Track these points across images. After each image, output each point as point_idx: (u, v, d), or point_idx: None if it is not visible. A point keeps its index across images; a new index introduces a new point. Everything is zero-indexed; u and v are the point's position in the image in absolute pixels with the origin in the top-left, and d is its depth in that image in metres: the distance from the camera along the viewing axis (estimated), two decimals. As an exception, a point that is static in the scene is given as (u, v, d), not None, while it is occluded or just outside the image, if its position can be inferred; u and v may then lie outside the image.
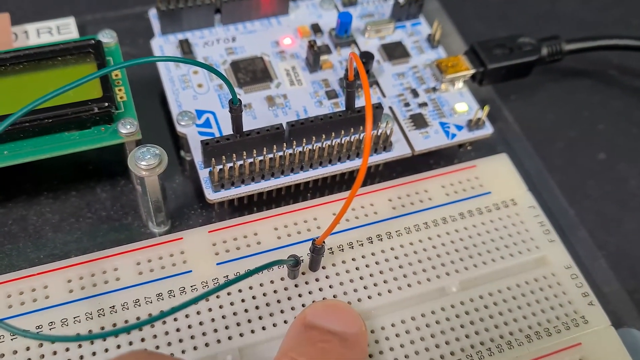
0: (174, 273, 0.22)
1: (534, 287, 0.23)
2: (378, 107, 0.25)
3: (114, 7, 0.32)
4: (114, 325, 0.20)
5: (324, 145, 0.24)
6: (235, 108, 0.22)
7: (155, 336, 0.20)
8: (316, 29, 0.29)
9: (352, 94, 0.24)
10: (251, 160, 0.23)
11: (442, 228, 0.24)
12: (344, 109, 0.25)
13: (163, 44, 0.27)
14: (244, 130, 0.23)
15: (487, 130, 0.26)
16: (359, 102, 0.25)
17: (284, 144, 0.24)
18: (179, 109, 0.25)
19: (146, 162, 0.21)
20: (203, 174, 0.24)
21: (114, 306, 0.21)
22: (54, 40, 0.26)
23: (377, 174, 0.26)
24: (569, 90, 0.32)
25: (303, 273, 0.22)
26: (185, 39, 0.27)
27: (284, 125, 0.24)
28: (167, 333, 0.20)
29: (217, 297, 0.21)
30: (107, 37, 0.25)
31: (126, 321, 0.20)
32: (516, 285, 0.22)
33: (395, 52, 0.28)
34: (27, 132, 0.22)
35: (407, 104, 0.27)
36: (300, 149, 0.24)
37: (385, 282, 0.22)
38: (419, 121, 0.26)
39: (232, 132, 0.23)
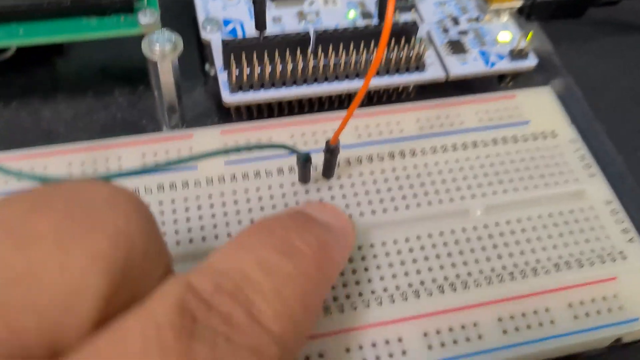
0: (178, 168, 0.21)
1: (569, 218, 0.20)
2: (413, 25, 0.23)
3: None
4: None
5: (351, 59, 0.22)
6: (257, -4, 0.21)
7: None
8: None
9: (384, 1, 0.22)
10: (273, 65, 0.22)
11: (472, 152, 0.22)
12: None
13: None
14: (268, 34, 0.22)
15: (531, 61, 0.24)
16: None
17: (309, 52, 0.23)
18: (206, 16, 0.24)
19: (160, 45, 0.20)
20: (222, 77, 0.22)
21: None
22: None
23: (407, 98, 0.25)
24: (626, 41, 0.30)
25: (316, 181, 0.21)
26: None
27: (311, 32, 0.23)
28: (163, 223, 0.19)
29: (222, 194, 0.20)
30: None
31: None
32: (548, 214, 0.20)
33: (438, -19, 0.27)
34: (45, 12, 0.21)
35: (446, 30, 0.25)
36: (326, 60, 0.22)
37: (403, 197, 0.20)
38: (457, 47, 0.24)
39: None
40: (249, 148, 0.18)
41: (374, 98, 0.24)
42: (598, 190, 0.21)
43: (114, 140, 0.21)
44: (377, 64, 0.16)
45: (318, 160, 0.20)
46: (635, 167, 0.24)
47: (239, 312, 0.12)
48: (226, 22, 0.24)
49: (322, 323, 0.18)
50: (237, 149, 0.18)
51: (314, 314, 0.14)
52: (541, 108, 0.23)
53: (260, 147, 0.18)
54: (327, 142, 0.19)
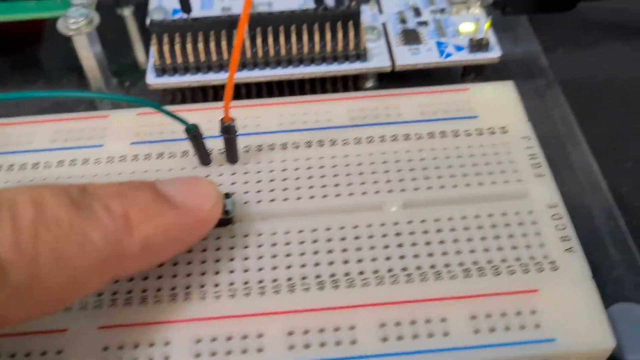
0: (83, 145, 0.20)
1: (499, 220, 0.17)
2: (354, 11, 0.21)
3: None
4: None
5: (283, 44, 0.21)
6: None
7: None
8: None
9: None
10: (197, 48, 0.21)
11: (400, 144, 0.19)
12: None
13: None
14: (199, 17, 0.21)
15: (493, 53, 0.22)
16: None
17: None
18: (157, 4, 0.24)
19: (74, 20, 0.20)
20: (150, 60, 0.22)
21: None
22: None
23: (350, 87, 0.23)
24: (617, 39, 0.26)
25: (220, 165, 0.19)
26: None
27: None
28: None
29: (119, 174, 0.19)
30: None
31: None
32: (474, 215, 0.17)
33: (408, -28, 0.25)
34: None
35: (403, 21, 0.23)
36: (254, 45, 0.21)
37: (310, 187, 0.18)
38: (411, 37, 0.22)
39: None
40: (131, 100, 0.17)
41: (311, 86, 0.23)
42: (543, 192, 0.18)
43: (27, 117, 0.21)
44: (237, 52, 0.15)
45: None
46: (611, 174, 0.21)
47: None
48: (175, 12, 0.24)
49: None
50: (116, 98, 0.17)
51: (68, 278, 0.13)
52: (495, 103, 0.20)
53: (146, 104, 0.17)
54: (221, 120, 0.18)
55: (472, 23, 0.22)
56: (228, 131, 0.18)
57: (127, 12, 0.27)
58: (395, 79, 0.22)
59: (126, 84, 0.24)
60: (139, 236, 0.14)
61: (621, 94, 0.24)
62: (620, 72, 0.25)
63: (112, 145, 0.20)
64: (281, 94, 0.22)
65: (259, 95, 0.22)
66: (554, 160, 0.20)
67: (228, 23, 0.21)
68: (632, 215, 0.20)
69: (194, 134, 0.18)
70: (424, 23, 0.23)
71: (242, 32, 0.15)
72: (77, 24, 0.20)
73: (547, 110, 0.23)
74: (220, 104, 0.21)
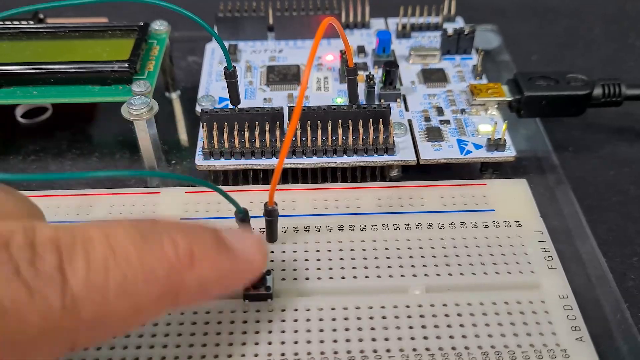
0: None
1: (514, 308, 0.19)
2: (385, 107, 0.24)
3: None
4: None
5: (322, 136, 0.23)
6: (229, 73, 0.22)
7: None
8: (360, 49, 0.29)
9: (353, 83, 0.23)
10: (245, 135, 0.23)
11: (424, 233, 0.21)
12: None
13: (215, 47, 0.30)
14: (245, 107, 0.24)
15: (509, 152, 0.24)
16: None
17: (282, 126, 0.24)
18: (204, 93, 0.27)
19: (136, 107, 0.22)
20: (199, 143, 0.24)
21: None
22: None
23: (377, 175, 0.25)
24: (625, 144, 0.28)
25: (260, 244, 0.21)
26: (235, 44, 0.29)
27: (285, 108, 0.24)
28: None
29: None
30: (158, 25, 0.28)
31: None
32: (492, 302, 0.19)
33: (433, 75, 0.27)
34: (57, 78, 0.25)
35: (427, 119, 0.25)
36: (297, 136, 0.24)
37: (342, 268, 0.20)
38: (434, 133, 0.24)
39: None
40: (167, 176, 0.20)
41: (342, 173, 0.25)
42: (555, 284, 0.20)
43: (90, 191, 0.23)
44: (288, 142, 0.17)
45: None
46: (617, 268, 0.23)
47: (50, 259, 0.13)
48: (221, 100, 0.26)
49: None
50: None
51: (132, 309, 0.14)
52: (510, 198, 0.23)
53: (194, 181, 0.19)
54: (265, 204, 0.20)
55: (490, 125, 0.25)
56: (270, 214, 0.20)
57: (174, 96, 0.30)
58: (418, 169, 0.24)
59: (172, 161, 0.26)
60: (199, 273, 0.15)
61: (626, 193, 0.26)
62: (625, 172, 0.27)
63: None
64: (314, 179, 0.25)
65: (295, 179, 0.24)
66: (563, 252, 0.22)
67: (271, 115, 0.24)
68: (638, 308, 0.22)
69: (242, 217, 0.20)
70: (446, 121, 0.25)
71: (293, 127, 0.17)
72: (139, 110, 0.22)
73: (558, 205, 0.25)
74: (260, 187, 0.23)
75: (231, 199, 0.19)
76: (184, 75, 0.31)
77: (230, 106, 0.25)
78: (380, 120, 0.24)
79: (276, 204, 0.20)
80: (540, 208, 0.23)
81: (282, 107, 0.24)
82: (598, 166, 0.27)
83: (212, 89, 0.27)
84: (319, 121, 0.23)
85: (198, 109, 0.26)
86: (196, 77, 0.29)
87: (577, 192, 0.25)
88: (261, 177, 0.24)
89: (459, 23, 0.31)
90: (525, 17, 0.38)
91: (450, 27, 0.29)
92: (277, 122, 0.24)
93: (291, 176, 0.24)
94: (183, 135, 0.29)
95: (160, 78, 0.29)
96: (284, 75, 0.27)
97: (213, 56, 0.29)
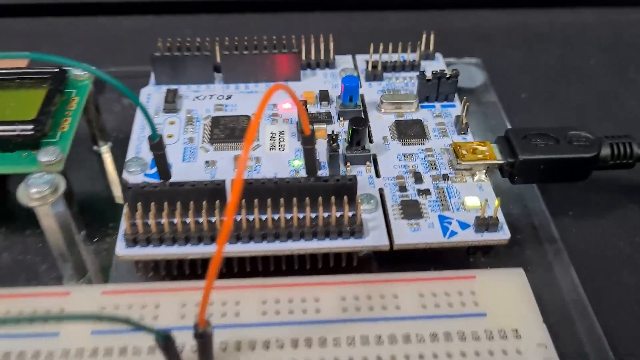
0: (38, 332, 0.17)
1: None
2: (351, 180, 0.19)
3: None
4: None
5: (273, 216, 0.19)
6: (155, 144, 0.18)
7: None
8: (324, 96, 0.25)
9: (310, 153, 0.19)
10: (177, 216, 0.19)
11: (400, 348, 0.17)
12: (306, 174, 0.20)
13: (152, 93, 0.25)
14: (177, 182, 0.19)
15: (502, 234, 0.20)
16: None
17: (223, 204, 0.19)
18: (134, 155, 0.22)
19: (37, 189, 0.18)
20: (121, 227, 0.19)
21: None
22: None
23: (342, 267, 0.20)
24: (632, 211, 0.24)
25: (192, 368, 0.16)
26: (175, 89, 0.25)
27: (227, 182, 0.19)
28: None
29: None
30: (79, 71, 0.23)
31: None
32: None
33: (409, 130, 0.23)
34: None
35: (403, 188, 0.21)
36: (240, 215, 0.19)
37: (294, 402, 0.16)
38: (411, 209, 0.20)
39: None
40: (83, 317, 0.15)
41: (300, 261, 0.20)
42: (564, 423, 0.16)
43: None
44: (229, 224, 0.13)
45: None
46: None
47: None
48: (154, 163, 0.22)
49: None
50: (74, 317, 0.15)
51: None
52: (505, 297, 0.18)
53: (97, 318, 0.15)
54: (195, 325, 0.15)
55: (478, 197, 0.20)
56: (202, 337, 0.16)
57: (104, 149, 0.25)
58: (392, 253, 0.20)
59: (94, 239, 0.22)
60: None
61: (628, 263, 0.22)
62: (624, 241, 0.23)
63: (70, 334, 0.17)
64: (265, 270, 0.20)
65: (241, 271, 0.20)
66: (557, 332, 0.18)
67: (209, 191, 0.19)
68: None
69: (163, 344, 0.15)
70: (426, 191, 0.21)
71: (234, 205, 0.13)
72: (41, 193, 0.18)
73: (559, 291, 0.21)
74: (198, 283, 0.19)
75: (144, 327, 0.15)
76: (118, 122, 0.27)
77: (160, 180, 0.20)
78: (345, 196, 0.19)
79: (209, 324, 0.15)
80: (535, 283, 0.19)
81: (223, 181, 0.19)
82: (605, 234, 0.23)
83: (144, 148, 0.22)
84: (268, 198, 0.19)
85: (125, 175, 0.21)
86: (132, 125, 0.24)
87: (580, 271, 0.21)
88: (200, 267, 0.20)
89: (439, 61, 0.27)
90: (512, 45, 0.34)
91: (428, 68, 0.25)
92: (217, 201, 0.19)
93: (237, 266, 0.20)
94: (116, 192, 0.24)
95: (85, 129, 0.25)
96: (231, 131, 0.23)
97: (149, 104, 0.24)
